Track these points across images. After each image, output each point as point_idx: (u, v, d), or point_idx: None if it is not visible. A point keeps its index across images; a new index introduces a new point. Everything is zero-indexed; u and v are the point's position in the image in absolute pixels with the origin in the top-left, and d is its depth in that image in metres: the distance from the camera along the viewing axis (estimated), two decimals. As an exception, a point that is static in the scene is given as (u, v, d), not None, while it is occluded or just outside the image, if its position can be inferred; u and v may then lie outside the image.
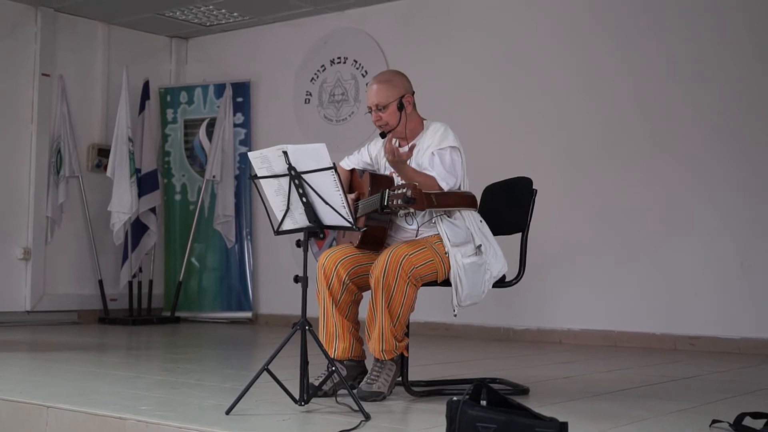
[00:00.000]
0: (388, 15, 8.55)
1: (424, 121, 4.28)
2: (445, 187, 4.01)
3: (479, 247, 4.04)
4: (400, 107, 4.18)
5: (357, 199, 4.22)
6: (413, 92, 4.27)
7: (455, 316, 4.09)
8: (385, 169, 4.29)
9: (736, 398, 4.30)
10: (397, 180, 4.13)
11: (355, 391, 3.78)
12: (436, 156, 4.07)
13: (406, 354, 4.08)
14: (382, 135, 4.26)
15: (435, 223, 4.07)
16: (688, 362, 6.08)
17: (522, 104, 7.75)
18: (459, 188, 4.11)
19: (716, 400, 4.25)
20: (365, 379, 3.97)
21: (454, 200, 4.03)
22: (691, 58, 7.02)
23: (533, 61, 7.74)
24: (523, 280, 4.35)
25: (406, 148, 4.05)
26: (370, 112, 4.25)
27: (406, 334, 4.07)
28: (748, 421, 3.34)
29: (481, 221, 4.13)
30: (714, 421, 3.43)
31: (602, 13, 7.44)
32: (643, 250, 7.13)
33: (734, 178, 6.82)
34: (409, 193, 3.68)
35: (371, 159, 4.41)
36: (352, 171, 4.43)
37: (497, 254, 4.11)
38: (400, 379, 4.09)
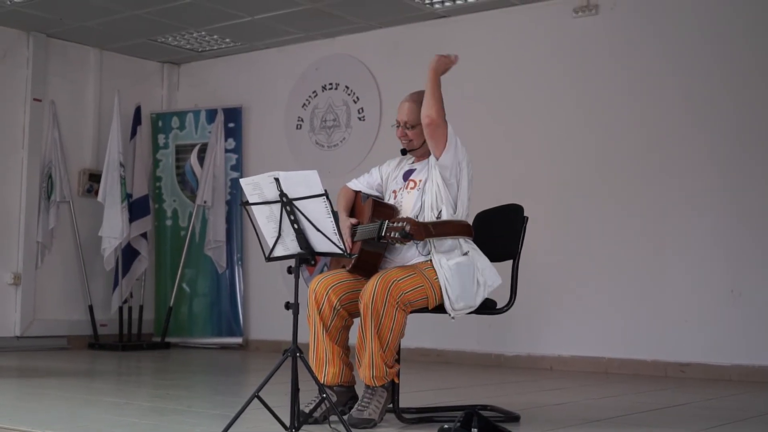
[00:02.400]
0: (379, 41, 8.59)
1: None
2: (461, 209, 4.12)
3: (466, 253, 4.07)
4: None
5: (357, 224, 4.23)
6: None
7: (453, 319, 4.09)
8: (391, 190, 4.32)
9: (727, 426, 4.30)
10: (402, 196, 4.15)
11: (345, 417, 3.77)
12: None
13: (396, 381, 4.07)
14: (403, 152, 4.32)
15: (426, 245, 4.10)
16: (679, 389, 6.07)
17: (512, 131, 7.78)
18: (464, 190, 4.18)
19: (707, 428, 4.25)
20: (356, 406, 3.96)
21: (452, 229, 4.05)
22: (688, 88, 7.04)
23: (524, 88, 7.78)
24: (514, 306, 4.35)
25: (422, 164, 4.22)
26: (397, 126, 4.29)
27: (397, 361, 4.06)
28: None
29: (475, 248, 4.16)
30: (705, 449, 3.43)
31: (599, 38, 7.47)
32: (634, 276, 7.14)
33: (725, 204, 6.84)
34: (407, 228, 3.70)
35: (382, 179, 4.43)
36: (357, 193, 4.45)
37: (487, 264, 4.12)
38: (391, 406, 4.08)
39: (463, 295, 4.01)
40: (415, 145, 4.27)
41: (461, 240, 4.09)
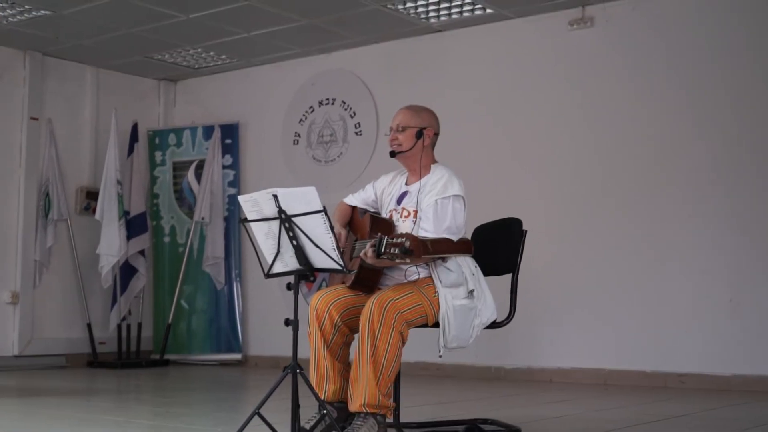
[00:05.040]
0: (376, 56, 8.61)
1: (432, 165, 4.28)
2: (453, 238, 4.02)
3: (471, 291, 4.03)
4: (419, 136, 4.20)
5: (357, 239, 4.22)
6: (437, 133, 4.30)
7: (440, 357, 4.05)
8: (387, 209, 4.30)
9: (728, 436, 4.30)
10: (398, 225, 4.14)
11: None
12: (439, 206, 4.08)
13: (389, 416, 3.94)
14: (392, 154, 4.27)
15: (429, 265, 4.06)
16: (679, 400, 6.07)
17: (512, 144, 7.79)
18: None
19: (708, 438, 4.25)
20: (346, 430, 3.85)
21: (450, 247, 3.96)
22: (689, 98, 7.05)
23: (523, 101, 7.79)
24: (513, 319, 4.35)
25: (416, 186, 4.15)
26: (390, 132, 4.28)
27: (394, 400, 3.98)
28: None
29: (475, 267, 4.12)
30: (706, 460, 3.42)
31: (596, 50, 7.49)
32: (633, 288, 7.15)
33: (724, 215, 6.85)
34: (407, 244, 3.62)
35: (376, 196, 4.41)
36: (354, 209, 4.44)
37: (487, 301, 4.08)
38: (391, 421, 3.99)
39: (458, 337, 3.98)
40: (404, 148, 4.22)
41: (467, 274, 4.04)
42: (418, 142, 4.21)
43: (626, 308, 7.16)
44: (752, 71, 6.84)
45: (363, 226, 4.24)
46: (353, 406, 3.87)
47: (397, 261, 3.71)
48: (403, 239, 3.64)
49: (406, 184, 4.29)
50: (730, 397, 6.17)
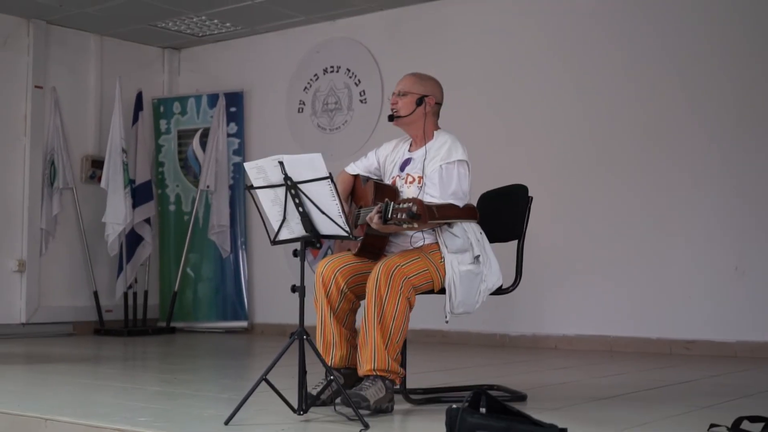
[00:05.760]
0: (380, 24, 8.57)
1: (435, 131, 4.26)
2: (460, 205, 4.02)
3: (477, 257, 4.03)
4: (419, 103, 4.19)
5: (360, 207, 4.22)
6: (440, 103, 4.28)
7: (447, 322, 4.07)
8: (390, 176, 4.29)
9: (733, 402, 4.31)
10: (403, 191, 4.13)
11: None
12: (444, 171, 4.06)
13: (398, 382, 3.95)
14: (389, 118, 4.26)
15: (434, 230, 4.06)
16: (684, 366, 6.09)
17: (516, 112, 7.77)
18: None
19: (713, 404, 4.26)
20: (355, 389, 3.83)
21: (456, 212, 3.98)
22: (689, 64, 7.04)
23: (527, 68, 7.76)
24: (518, 287, 4.36)
25: (421, 152, 4.14)
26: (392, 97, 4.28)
27: (402, 365, 3.98)
28: (746, 425, 3.34)
29: (481, 233, 4.12)
30: (711, 425, 3.43)
31: (598, 20, 7.46)
32: (638, 254, 7.15)
33: (729, 182, 6.84)
34: (414, 208, 3.61)
35: (378, 163, 4.39)
36: (357, 177, 4.42)
37: (493, 267, 4.09)
38: (390, 404, 3.87)
39: (465, 302, 4.00)
40: (401, 114, 4.21)
41: (473, 240, 4.05)
42: (418, 109, 4.19)
43: (632, 275, 7.16)
44: (751, 37, 6.80)
45: (366, 194, 4.22)
46: (362, 370, 3.88)
47: (404, 226, 3.71)
48: (410, 203, 3.63)
49: (409, 150, 4.28)
50: (735, 364, 6.19)
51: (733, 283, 6.77)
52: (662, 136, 7.12)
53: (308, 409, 3.66)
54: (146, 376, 5.79)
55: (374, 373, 3.84)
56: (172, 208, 9.46)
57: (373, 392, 3.77)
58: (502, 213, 4.49)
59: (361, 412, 3.55)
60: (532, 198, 4.41)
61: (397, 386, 3.96)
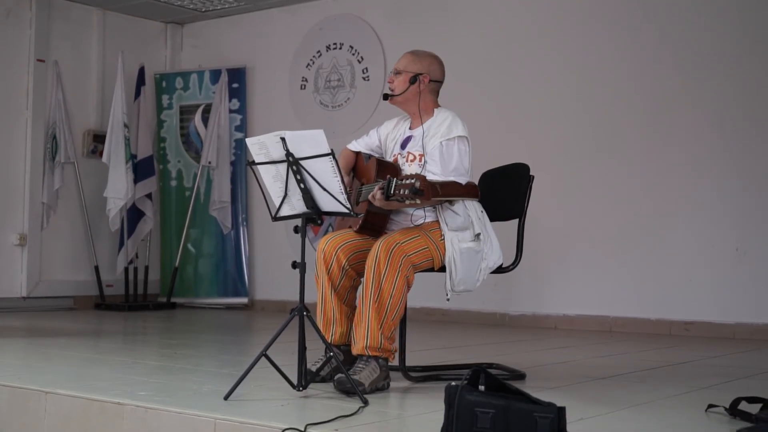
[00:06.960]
0: (383, 1, 8.54)
1: (435, 109, 4.24)
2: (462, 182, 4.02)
3: (478, 235, 4.03)
4: (413, 81, 4.17)
5: (362, 184, 4.21)
6: (438, 81, 4.26)
7: (448, 300, 4.07)
8: (392, 154, 4.28)
9: (732, 383, 4.33)
10: (404, 169, 4.12)
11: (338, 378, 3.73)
12: (444, 148, 4.05)
13: (392, 359, 3.94)
14: (384, 97, 4.27)
15: (435, 208, 4.06)
16: (683, 347, 6.10)
17: (519, 93, 7.75)
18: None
19: (712, 384, 4.28)
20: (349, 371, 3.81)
21: (458, 190, 3.97)
22: (689, 47, 7.02)
23: (531, 50, 7.73)
24: (518, 266, 4.36)
25: (420, 130, 4.13)
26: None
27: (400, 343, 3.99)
28: (743, 406, 3.35)
29: (482, 211, 4.12)
30: (710, 406, 3.45)
31: (600, 4, 7.43)
32: (639, 235, 7.15)
33: (729, 163, 6.84)
34: (417, 184, 3.60)
35: (380, 141, 4.38)
36: (358, 154, 4.42)
37: (493, 245, 4.09)
38: (386, 382, 3.89)
39: (465, 280, 4.00)
40: (396, 92, 4.20)
41: (474, 218, 4.04)
42: (412, 87, 4.18)
43: (632, 256, 7.17)
44: (749, 22, 6.78)
45: (368, 171, 4.22)
46: (356, 349, 3.89)
47: (407, 202, 3.69)
48: (413, 180, 3.63)
49: (410, 129, 4.27)
50: (734, 345, 6.20)
51: (734, 264, 6.77)
52: (662, 118, 7.10)
53: (308, 385, 3.68)
54: (146, 350, 5.80)
55: (367, 353, 3.84)
56: (173, 183, 9.46)
57: (366, 374, 3.78)
58: (503, 191, 4.49)
59: None
60: (533, 177, 4.41)
61: (391, 362, 3.96)
